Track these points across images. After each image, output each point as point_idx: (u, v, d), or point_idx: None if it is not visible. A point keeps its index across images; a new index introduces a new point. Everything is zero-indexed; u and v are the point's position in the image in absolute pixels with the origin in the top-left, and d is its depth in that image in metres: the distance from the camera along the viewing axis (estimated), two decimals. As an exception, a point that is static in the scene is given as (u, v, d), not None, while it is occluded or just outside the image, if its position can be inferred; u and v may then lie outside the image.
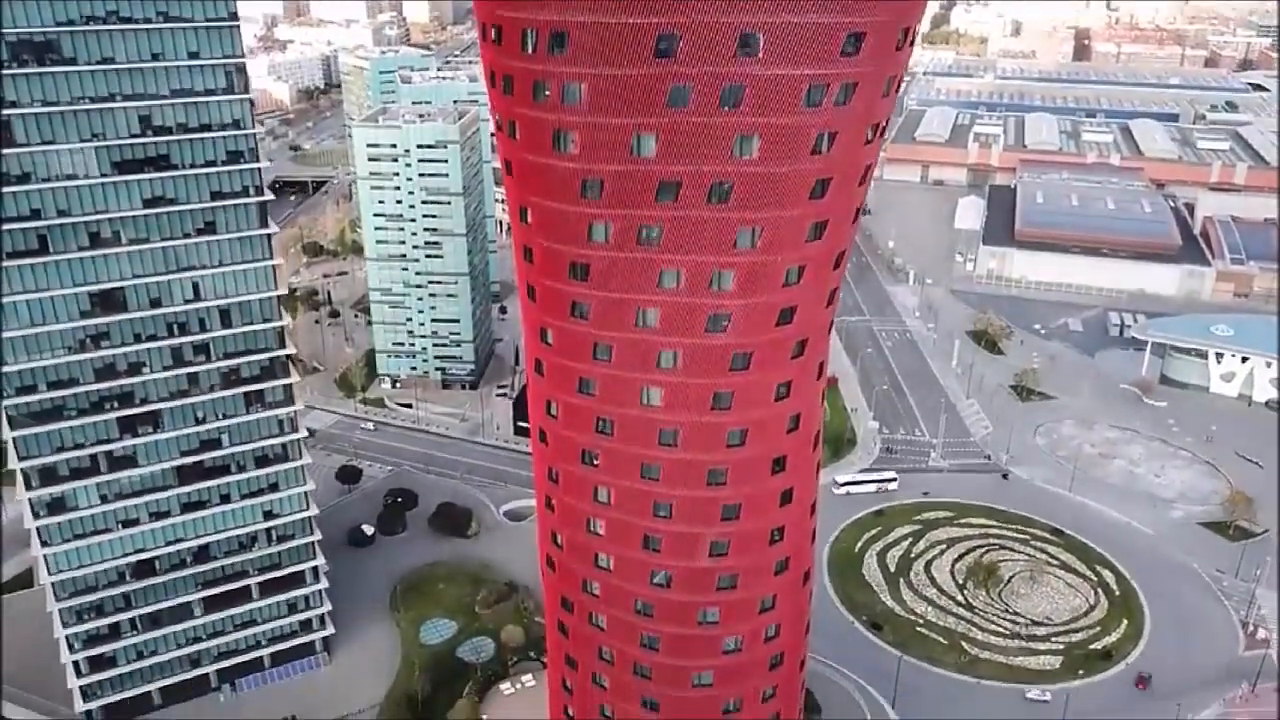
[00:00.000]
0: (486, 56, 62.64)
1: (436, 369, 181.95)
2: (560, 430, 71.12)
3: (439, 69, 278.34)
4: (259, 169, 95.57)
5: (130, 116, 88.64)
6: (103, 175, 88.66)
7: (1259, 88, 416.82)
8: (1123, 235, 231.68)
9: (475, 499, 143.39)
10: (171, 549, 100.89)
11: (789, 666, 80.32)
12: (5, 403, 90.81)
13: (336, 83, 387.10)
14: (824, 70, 56.05)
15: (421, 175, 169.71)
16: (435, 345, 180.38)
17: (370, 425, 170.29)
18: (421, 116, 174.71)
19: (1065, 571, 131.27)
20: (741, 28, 54.29)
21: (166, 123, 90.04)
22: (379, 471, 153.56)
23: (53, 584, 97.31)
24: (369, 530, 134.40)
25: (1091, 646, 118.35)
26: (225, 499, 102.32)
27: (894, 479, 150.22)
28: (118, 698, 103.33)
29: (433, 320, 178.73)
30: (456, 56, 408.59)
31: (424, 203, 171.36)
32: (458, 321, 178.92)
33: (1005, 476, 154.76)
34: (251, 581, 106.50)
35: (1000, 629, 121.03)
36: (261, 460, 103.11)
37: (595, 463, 70.13)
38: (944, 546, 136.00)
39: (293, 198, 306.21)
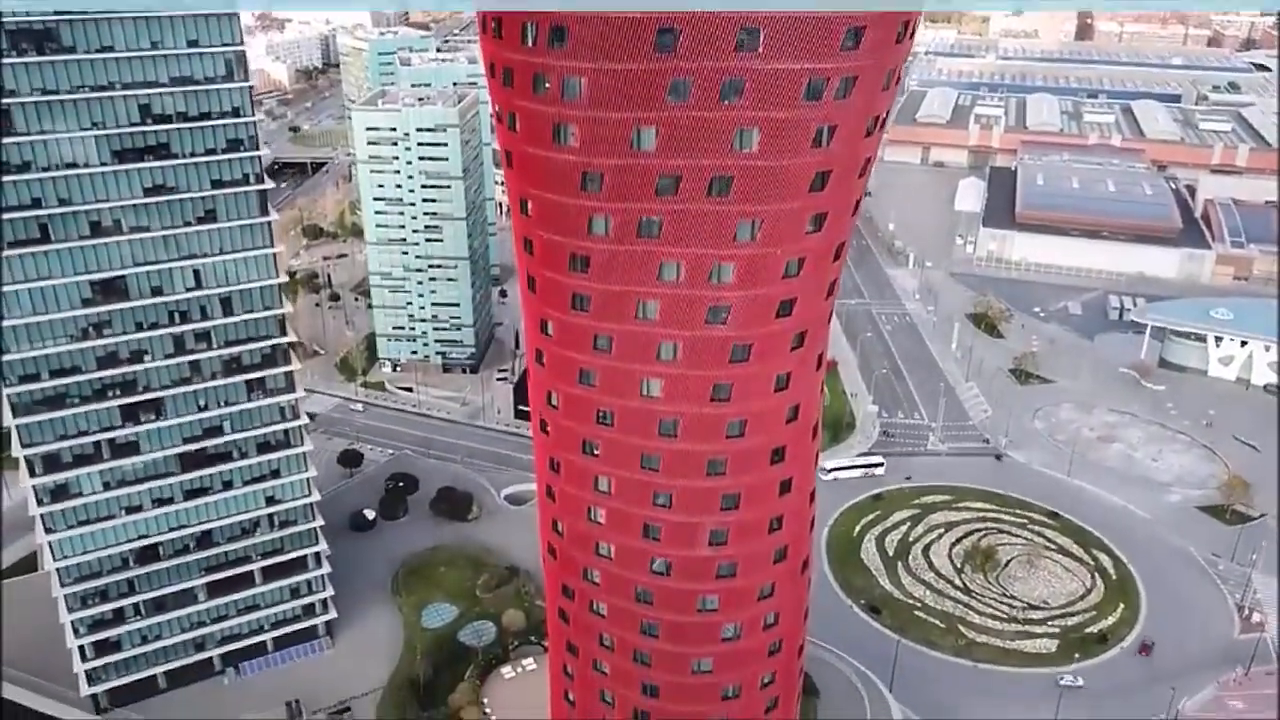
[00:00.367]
0: (486, 49, 62.63)
1: (437, 353, 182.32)
2: (561, 420, 71.65)
3: (438, 49, 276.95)
4: (259, 157, 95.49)
5: (130, 105, 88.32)
6: (103, 164, 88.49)
7: (1261, 67, 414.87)
8: (1123, 218, 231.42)
9: (476, 483, 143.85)
10: (175, 535, 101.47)
11: (787, 653, 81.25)
12: (8, 391, 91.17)
13: (335, 62, 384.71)
14: (824, 64, 56.17)
15: (421, 159, 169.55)
16: (435, 329, 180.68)
17: (359, 407, 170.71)
18: (421, 100, 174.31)
19: (1062, 555, 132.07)
20: (741, 22, 54.36)
21: (166, 111, 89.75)
22: (380, 456, 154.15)
23: (57, 570, 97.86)
24: (370, 515, 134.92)
25: (1088, 630, 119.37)
26: (228, 485, 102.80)
27: (881, 463, 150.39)
28: (123, 681, 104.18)
29: (433, 304, 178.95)
30: (455, 35, 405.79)
31: (424, 186, 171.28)
32: (458, 305, 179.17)
33: (999, 458, 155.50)
34: (254, 567, 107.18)
35: (997, 612, 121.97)
36: (263, 447, 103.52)
37: (596, 453, 70.72)
38: (942, 530, 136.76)
39: (291, 180, 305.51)
